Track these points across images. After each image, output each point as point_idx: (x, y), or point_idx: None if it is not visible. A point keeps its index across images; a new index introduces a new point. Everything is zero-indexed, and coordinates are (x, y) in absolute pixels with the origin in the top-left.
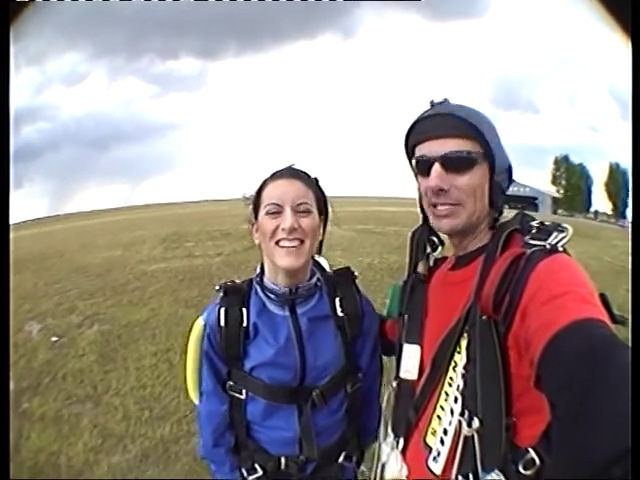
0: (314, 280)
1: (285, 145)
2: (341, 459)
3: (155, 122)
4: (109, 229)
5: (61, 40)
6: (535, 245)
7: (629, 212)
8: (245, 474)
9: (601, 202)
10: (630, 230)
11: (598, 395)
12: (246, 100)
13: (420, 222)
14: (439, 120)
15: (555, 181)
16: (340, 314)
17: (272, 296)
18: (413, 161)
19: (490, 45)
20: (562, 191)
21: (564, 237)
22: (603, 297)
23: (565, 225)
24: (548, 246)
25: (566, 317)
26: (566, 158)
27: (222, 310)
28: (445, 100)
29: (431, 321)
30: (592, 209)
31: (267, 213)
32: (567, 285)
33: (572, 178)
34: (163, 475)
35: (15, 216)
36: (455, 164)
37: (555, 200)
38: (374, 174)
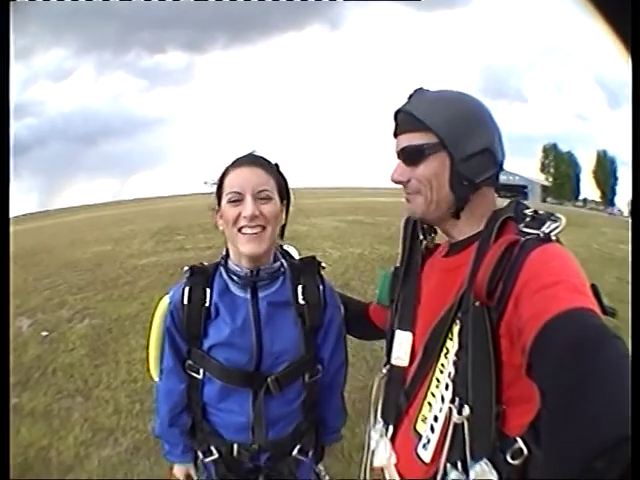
0: (277, 264)
1: (274, 137)
2: (295, 452)
3: (143, 116)
4: (98, 224)
5: (47, 35)
6: (529, 233)
7: (617, 200)
8: (201, 456)
9: (590, 190)
10: (630, 231)
11: (587, 386)
12: (235, 93)
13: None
14: (400, 117)
15: (544, 169)
16: (301, 302)
17: (235, 278)
18: None
19: (477, 34)
20: (551, 179)
21: (557, 226)
22: (594, 288)
23: (558, 215)
24: (542, 235)
25: (557, 306)
26: (554, 146)
27: (186, 289)
28: (417, 91)
29: (424, 308)
30: (581, 197)
31: (229, 201)
32: (559, 274)
33: (561, 166)
34: (155, 468)
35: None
36: (410, 157)
37: (544, 188)
38: (364, 165)
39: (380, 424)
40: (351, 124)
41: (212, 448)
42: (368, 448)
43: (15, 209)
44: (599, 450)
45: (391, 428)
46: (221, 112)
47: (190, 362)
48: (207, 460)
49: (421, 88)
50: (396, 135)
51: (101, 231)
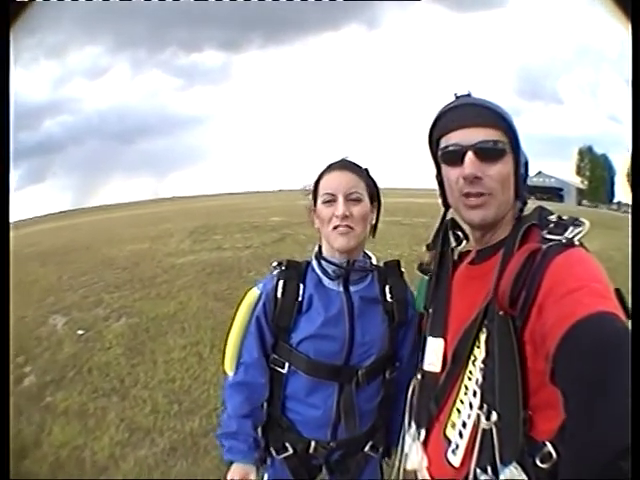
0: (369, 261)
1: (311, 137)
2: (367, 448)
3: (180, 115)
4: (135, 222)
5: (82, 33)
6: (552, 240)
7: None
8: (274, 453)
9: (623, 193)
10: (630, 231)
11: (610, 388)
12: (271, 92)
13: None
14: (468, 110)
15: (580, 172)
16: (389, 300)
17: (329, 270)
18: (439, 152)
19: (513, 35)
20: (586, 182)
21: (580, 231)
22: (618, 292)
23: (582, 219)
24: (564, 240)
25: (581, 311)
26: (590, 149)
27: (280, 282)
28: (469, 93)
29: (454, 315)
30: (615, 200)
31: (323, 202)
32: (583, 280)
33: (596, 169)
34: (192, 469)
35: (37, 209)
36: (488, 153)
37: (580, 191)
38: (402, 165)
39: (413, 428)
40: (387, 125)
41: (287, 445)
42: (402, 451)
43: (50, 207)
44: (623, 450)
45: (423, 432)
46: (257, 111)
47: (275, 356)
48: (279, 457)
49: (469, 91)
50: (457, 128)
51: (138, 229)
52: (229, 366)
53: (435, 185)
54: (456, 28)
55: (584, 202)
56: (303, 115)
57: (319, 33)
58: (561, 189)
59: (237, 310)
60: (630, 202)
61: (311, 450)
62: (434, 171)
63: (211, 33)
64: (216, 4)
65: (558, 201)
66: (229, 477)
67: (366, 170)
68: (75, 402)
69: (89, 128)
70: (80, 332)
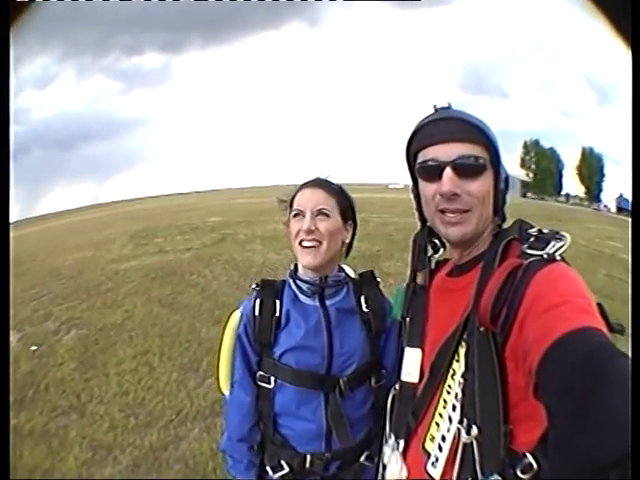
0: (342, 274)
1: (251, 137)
2: (363, 458)
3: (121, 118)
4: (79, 229)
5: (35, 44)
6: (532, 255)
7: (603, 196)
8: (270, 472)
9: (573, 185)
10: (630, 232)
11: (596, 402)
12: (212, 93)
13: (415, 223)
14: (446, 124)
15: (524, 165)
16: (365, 309)
17: (304, 287)
18: (416, 166)
19: (458, 31)
20: (531, 175)
21: (562, 246)
22: (600, 307)
23: (563, 233)
24: (545, 255)
25: (564, 327)
26: (536, 142)
27: (257, 301)
28: (449, 105)
29: (432, 326)
30: (563, 192)
31: (293, 217)
32: (565, 295)
33: (542, 162)
34: None
35: None
36: (467, 169)
37: (524, 184)
38: (339, 162)
39: (392, 438)
40: (327, 122)
41: (282, 462)
42: (380, 462)
43: None
44: (609, 466)
45: (402, 443)
46: (198, 112)
47: (261, 373)
48: (276, 476)
49: (449, 103)
50: (435, 143)
51: (81, 236)
52: (224, 386)
53: (370, 179)
54: (399, 24)
55: (529, 194)
56: (242, 114)
57: (259, 32)
58: None
59: (223, 333)
60: (581, 195)
61: (307, 464)
62: (375, 166)
63: (152, 36)
64: (158, 4)
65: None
66: None
67: (340, 188)
68: (38, 423)
69: (35, 137)
70: (33, 348)
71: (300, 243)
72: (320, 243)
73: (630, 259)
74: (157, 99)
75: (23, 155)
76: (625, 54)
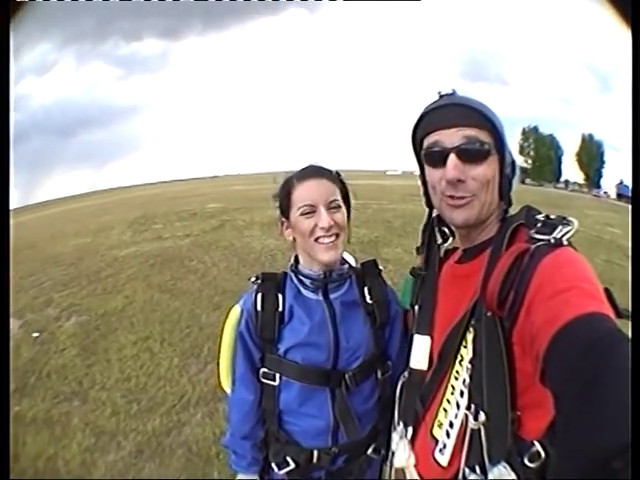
0: (345, 266)
1: (250, 123)
2: (370, 451)
3: (119, 105)
4: (77, 216)
5: (35, 31)
6: (540, 239)
7: (603, 182)
8: (276, 468)
9: (573, 172)
10: (630, 218)
11: (602, 387)
12: (211, 79)
13: (423, 211)
14: (451, 110)
15: (523, 151)
16: (369, 301)
17: (307, 282)
18: (422, 152)
19: (458, 18)
20: (530, 161)
21: (569, 230)
22: (608, 292)
23: (570, 218)
24: (553, 240)
25: (571, 312)
26: (535, 129)
27: (259, 296)
28: (453, 92)
29: (440, 313)
30: (562, 179)
31: (302, 214)
32: (572, 280)
33: (541, 148)
34: (161, 470)
35: None
36: (471, 154)
37: (523, 170)
38: (338, 148)
39: (400, 426)
40: (326, 108)
41: (288, 459)
42: (389, 449)
43: None
44: (615, 452)
45: (410, 430)
46: (197, 99)
47: (265, 370)
48: (282, 472)
49: (454, 90)
50: (439, 129)
51: (80, 223)
52: (225, 383)
53: (369, 166)
54: (399, 10)
55: (527, 181)
56: (240, 101)
57: (258, 18)
58: None
59: (222, 329)
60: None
61: (314, 460)
62: (372, 153)
63: (151, 21)
64: None
65: None
66: None
67: (337, 172)
68: (40, 409)
69: (34, 124)
70: (35, 335)
71: (317, 240)
72: (338, 237)
73: (630, 245)
74: (156, 85)
75: (20, 143)
76: (626, 41)
